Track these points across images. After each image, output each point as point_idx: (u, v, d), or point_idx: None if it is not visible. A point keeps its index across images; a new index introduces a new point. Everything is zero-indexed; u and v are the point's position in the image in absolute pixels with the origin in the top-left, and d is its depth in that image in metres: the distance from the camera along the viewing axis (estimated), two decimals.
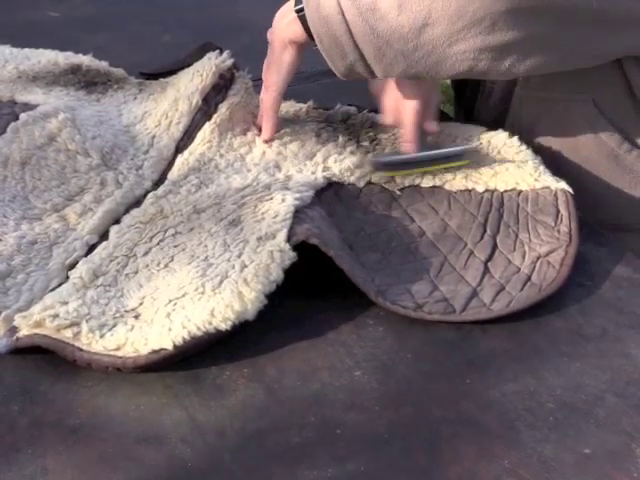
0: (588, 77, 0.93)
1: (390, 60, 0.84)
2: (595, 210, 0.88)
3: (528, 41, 0.83)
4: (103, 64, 1.14)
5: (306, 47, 0.92)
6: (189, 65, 1.09)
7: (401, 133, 0.97)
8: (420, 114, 0.95)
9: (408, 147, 0.95)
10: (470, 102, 1.12)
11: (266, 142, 0.97)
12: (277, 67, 0.94)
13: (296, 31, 0.90)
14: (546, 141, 1.00)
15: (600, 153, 0.99)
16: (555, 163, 0.96)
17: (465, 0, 0.79)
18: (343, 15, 0.83)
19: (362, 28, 0.83)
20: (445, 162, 0.93)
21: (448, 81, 1.40)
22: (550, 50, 0.87)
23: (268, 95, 0.96)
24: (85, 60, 1.14)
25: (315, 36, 0.86)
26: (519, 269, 0.80)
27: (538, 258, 0.81)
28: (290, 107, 1.04)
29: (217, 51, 1.08)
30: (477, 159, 0.94)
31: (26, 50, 1.19)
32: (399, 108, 0.96)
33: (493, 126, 0.99)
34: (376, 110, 1.03)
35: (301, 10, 0.87)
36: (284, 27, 0.92)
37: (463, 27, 0.81)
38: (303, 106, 1.05)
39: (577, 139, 0.99)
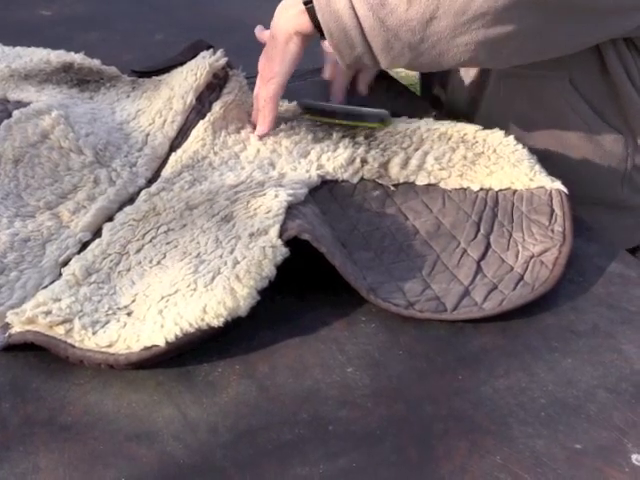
0: (564, 55, 0.96)
1: (397, 52, 0.87)
2: (569, 185, 0.90)
3: (526, 33, 0.85)
4: (95, 62, 1.14)
5: (311, 39, 0.93)
6: (181, 63, 1.10)
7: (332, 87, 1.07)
8: (351, 73, 1.06)
9: (333, 98, 1.05)
10: (438, 94, 1.16)
11: (261, 137, 0.97)
12: (281, 58, 0.94)
13: (303, 23, 0.90)
14: (521, 117, 1.03)
15: (574, 129, 1.03)
16: (530, 139, 0.99)
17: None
18: (354, 9, 0.85)
19: (372, 22, 0.84)
20: (360, 120, 0.98)
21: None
22: (546, 41, 0.89)
23: (269, 87, 0.96)
24: (77, 58, 1.14)
25: (325, 29, 0.87)
26: (512, 268, 0.80)
27: (531, 257, 0.81)
28: (288, 106, 1.04)
29: (211, 50, 1.08)
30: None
31: (18, 48, 1.18)
32: (337, 65, 1.03)
33: (466, 114, 1.02)
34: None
35: (309, 2, 0.88)
36: (290, 18, 0.92)
37: (467, 20, 0.83)
38: None
39: (551, 115, 1.03)
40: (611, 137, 1.06)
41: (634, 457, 0.62)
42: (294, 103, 1.05)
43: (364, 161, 0.94)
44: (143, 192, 0.87)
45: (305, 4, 0.89)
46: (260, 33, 1.04)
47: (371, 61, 0.88)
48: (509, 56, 0.88)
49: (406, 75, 2.71)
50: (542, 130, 1.04)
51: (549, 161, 0.91)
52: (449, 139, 0.97)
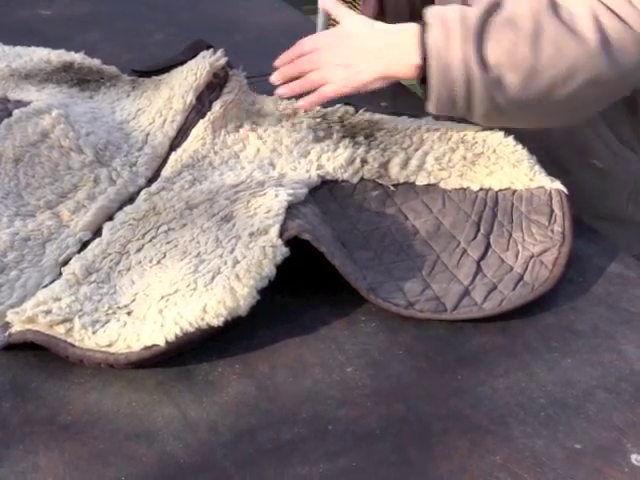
0: None
1: (493, 119, 0.91)
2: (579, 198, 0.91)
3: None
4: (95, 62, 1.14)
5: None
6: (182, 63, 1.10)
7: None
8: None
9: None
10: None
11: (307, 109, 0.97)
12: (356, 88, 0.91)
13: (400, 72, 0.89)
14: (523, 132, 1.02)
15: (594, 148, 1.04)
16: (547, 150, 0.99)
17: (576, 91, 0.85)
18: (469, 83, 0.85)
19: (482, 96, 0.86)
20: None
21: None
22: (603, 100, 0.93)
23: (327, 90, 0.92)
24: (77, 58, 1.14)
25: (434, 90, 0.86)
26: (512, 268, 0.80)
27: (531, 257, 0.81)
28: (288, 105, 1.04)
29: (211, 50, 1.08)
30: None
31: (18, 48, 1.19)
32: None
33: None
34: (374, 109, 1.03)
35: (424, 58, 0.85)
36: (390, 62, 0.89)
37: (568, 106, 0.88)
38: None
39: (572, 131, 1.02)
40: (627, 156, 1.07)
41: (633, 457, 0.62)
42: (293, 101, 1.05)
43: (364, 161, 0.94)
44: (143, 191, 0.87)
45: (422, 58, 0.85)
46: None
47: (461, 116, 0.91)
48: (571, 118, 0.94)
49: None
50: (561, 144, 1.05)
51: (565, 174, 0.92)
52: (449, 139, 0.97)
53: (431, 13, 0.87)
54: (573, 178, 0.96)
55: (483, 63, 0.84)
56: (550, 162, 0.93)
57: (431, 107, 0.89)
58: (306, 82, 0.94)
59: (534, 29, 0.83)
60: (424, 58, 0.86)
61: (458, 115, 0.91)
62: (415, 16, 1.02)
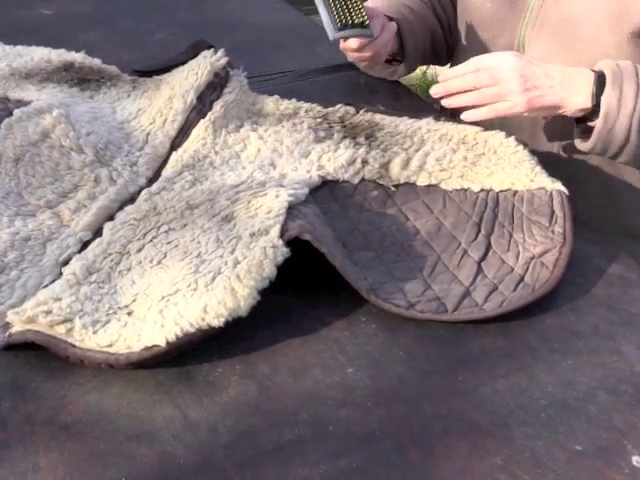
0: None
1: (625, 160, 0.97)
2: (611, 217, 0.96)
3: None
4: (96, 61, 1.14)
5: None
6: (182, 63, 1.10)
7: None
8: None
9: None
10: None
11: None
12: (532, 111, 0.94)
13: (569, 109, 0.93)
14: (569, 145, 1.04)
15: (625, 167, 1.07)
16: (577, 167, 1.03)
17: None
18: (626, 143, 0.93)
19: (630, 153, 0.94)
20: None
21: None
22: None
23: (508, 106, 0.94)
24: (78, 57, 1.14)
25: (590, 144, 0.94)
26: (513, 269, 0.80)
27: (532, 259, 0.81)
28: (289, 105, 1.04)
29: (212, 49, 1.08)
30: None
31: (18, 47, 1.19)
32: None
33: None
34: (374, 110, 1.03)
35: (594, 112, 0.92)
36: (566, 92, 0.93)
37: None
38: (303, 105, 1.05)
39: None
40: None
41: (634, 458, 0.62)
42: (294, 101, 1.05)
43: (365, 162, 0.94)
44: (144, 191, 0.87)
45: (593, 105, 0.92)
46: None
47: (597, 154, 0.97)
48: None
49: (407, 76, 2.70)
50: (595, 161, 1.06)
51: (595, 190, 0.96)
52: (450, 140, 0.97)
53: (611, 70, 0.93)
54: (608, 191, 1.00)
55: None
56: (587, 180, 0.95)
57: (587, 146, 0.95)
58: (479, 96, 0.95)
59: None
60: (594, 108, 0.92)
61: (600, 154, 0.97)
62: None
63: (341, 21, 1.03)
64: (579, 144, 0.97)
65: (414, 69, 1.21)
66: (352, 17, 1.03)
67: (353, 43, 1.07)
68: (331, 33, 1.03)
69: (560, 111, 0.95)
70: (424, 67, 2.74)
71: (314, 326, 0.74)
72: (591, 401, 0.67)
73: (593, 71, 0.93)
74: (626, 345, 0.73)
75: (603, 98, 0.92)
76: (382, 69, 1.19)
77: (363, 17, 1.04)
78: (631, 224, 1.08)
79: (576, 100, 0.93)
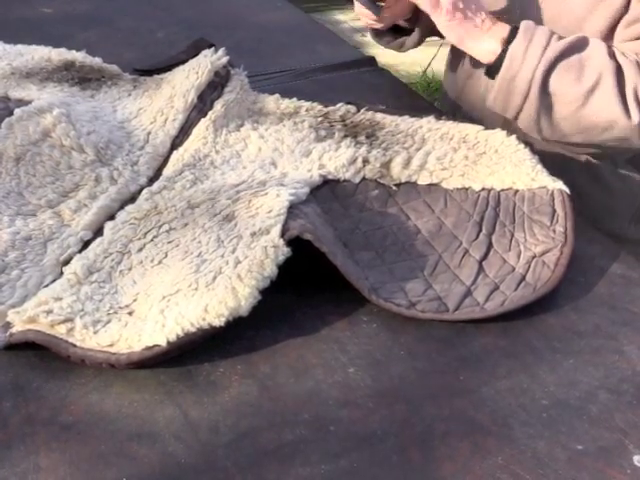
0: None
1: (531, 131, 0.99)
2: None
3: None
4: (96, 60, 1.14)
5: None
6: (183, 62, 1.09)
7: None
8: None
9: None
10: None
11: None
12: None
13: (470, 45, 0.98)
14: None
15: (603, 167, 1.08)
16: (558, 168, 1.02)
17: (606, 140, 0.97)
18: (525, 99, 0.95)
19: (529, 114, 0.96)
20: None
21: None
22: None
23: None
24: (78, 56, 1.14)
25: (493, 93, 0.98)
26: (514, 269, 0.80)
27: (533, 258, 0.81)
28: (289, 104, 1.04)
29: (212, 48, 1.08)
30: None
31: (19, 46, 1.18)
32: None
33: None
34: (375, 108, 1.03)
35: (499, 61, 0.96)
36: (469, 28, 0.97)
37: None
38: (303, 103, 1.05)
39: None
40: (633, 176, 1.11)
41: (636, 458, 0.62)
42: (295, 100, 1.05)
43: (366, 161, 0.94)
44: (145, 191, 0.87)
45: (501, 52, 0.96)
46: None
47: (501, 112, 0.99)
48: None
49: (407, 74, 2.71)
50: (569, 159, 1.08)
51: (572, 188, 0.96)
52: (451, 139, 0.97)
53: (526, 26, 0.96)
54: (580, 191, 1.00)
55: (543, 88, 0.94)
56: (559, 174, 0.95)
57: (490, 98, 0.99)
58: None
59: (594, 82, 0.93)
60: (500, 57, 0.96)
61: (502, 112, 0.99)
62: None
63: None
64: (489, 98, 1.00)
65: (422, 40, 1.22)
66: None
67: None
68: None
69: (472, 45, 0.99)
70: (424, 66, 2.75)
71: (315, 326, 0.74)
72: (593, 401, 0.67)
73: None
74: (628, 344, 0.73)
75: (511, 46, 0.95)
76: (391, 41, 1.21)
77: None
78: (601, 223, 1.08)
79: (489, 44, 0.97)
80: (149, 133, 0.97)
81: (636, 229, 1.14)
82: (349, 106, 1.04)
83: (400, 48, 1.22)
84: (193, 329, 0.68)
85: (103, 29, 1.35)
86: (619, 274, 0.81)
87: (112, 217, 0.83)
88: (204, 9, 1.47)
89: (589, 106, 0.94)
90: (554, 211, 0.86)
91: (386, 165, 0.94)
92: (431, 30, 1.20)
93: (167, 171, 0.92)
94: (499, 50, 0.96)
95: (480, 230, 0.85)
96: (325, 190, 0.90)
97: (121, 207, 0.85)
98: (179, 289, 0.72)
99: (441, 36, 1.20)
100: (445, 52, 1.26)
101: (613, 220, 1.11)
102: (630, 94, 0.93)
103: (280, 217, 0.76)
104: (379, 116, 1.03)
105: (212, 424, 0.64)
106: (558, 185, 0.89)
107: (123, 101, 1.05)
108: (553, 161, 0.97)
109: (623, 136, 0.95)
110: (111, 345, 0.68)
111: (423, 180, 0.92)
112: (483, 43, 0.98)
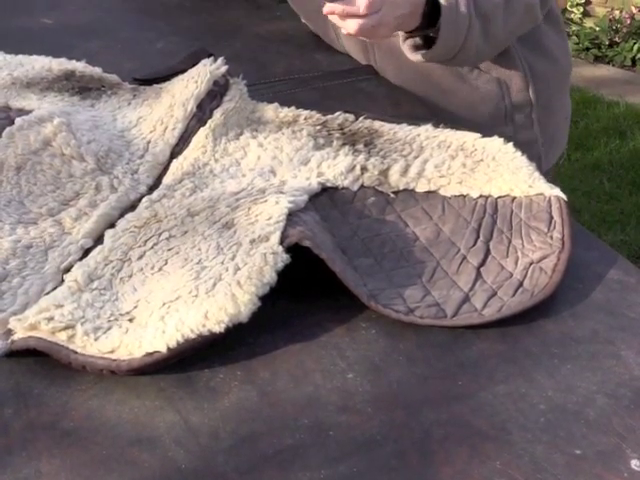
0: None
1: (465, 58, 1.09)
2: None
3: None
4: (96, 70, 1.15)
5: None
6: (182, 71, 1.10)
7: None
8: None
9: None
10: None
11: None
12: (369, 35, 1.01)
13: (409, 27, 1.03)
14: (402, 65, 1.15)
15: (449, 73, 1.19)
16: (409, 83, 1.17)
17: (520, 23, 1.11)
18: (468, 30, 1.03)
19: (473, 39, 1.05)
20: None
21: None
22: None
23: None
24: (78, 66, 1.15)
25: (442, 37, 1.03)
26: (511, 275, 0.80)
27: (531, 264, 0.81)
28: (288, 112, 1.05)
29: (211, 58, 1.09)
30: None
31: (20, 56, 1.19)
32: None
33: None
34: (373, 117, 1.04)
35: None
36: (399, 19, 1.00)
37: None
38: (302, 112, 1.05)
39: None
40: (484, 79, 1.21)
41: (633, 462, 0.62)
42: (293, 108, 1.06)
43: (364, 168, 0.95)
44: (144, 199, 0.87)
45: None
46: None
47: (444, 59, 1.08)
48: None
49: None
50: (418, 74, 1.16)
51: (427, 107, 1.05)
52: (448, 147, 0.98)
53: None
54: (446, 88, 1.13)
55: (479, 14, 1.03)
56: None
57: (429, 54, 1.05)
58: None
59: None
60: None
61: (442, 58, 1.08)
62: None
63: None
64: (424, 54, 1.06)
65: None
66: None
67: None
68: None
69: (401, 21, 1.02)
70: None
71: (314, 332, 0.74)
72: (590, 405, 0.67)
73: None
74: (625, 350, 0.73)
75: None
76: None
77: None
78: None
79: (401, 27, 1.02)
80: (149, 142, 0.98)
81: (515, 131, 1.24)
82: (347, 114, 1.05)
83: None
84: (193, 335, 0.68)
85: (103, 39, 1.36)
86: (616, 280, 0.82)
87: (112, 225, 0.84)
88: (203, 19, 1.48)
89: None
90: (551, 218, 0.87)
91: (384, 173, 0.94)
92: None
93: (167, 179, 0.92)
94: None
95: (478, 237, 0.86)
96: (324, 198, 0.90)
97: (121, 215, 0.85)
98: (179, 296, 0.72)
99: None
100: None
101: (490, 128, 1.13)
102: None
103: (279, 224, 0.77)
104: (377, 124, 1.03)
105: (212, 429, 0.65)
106: (555, 192, 0.90)
107: (123, 110, 1.06)
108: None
109: (536, 12, 1.09)
110: (112, 352, 0.68)
111: (421, 187, 0.93)
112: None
